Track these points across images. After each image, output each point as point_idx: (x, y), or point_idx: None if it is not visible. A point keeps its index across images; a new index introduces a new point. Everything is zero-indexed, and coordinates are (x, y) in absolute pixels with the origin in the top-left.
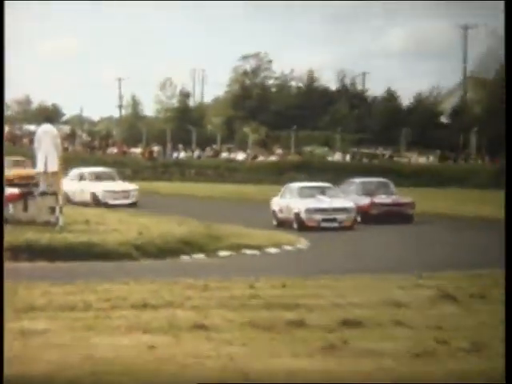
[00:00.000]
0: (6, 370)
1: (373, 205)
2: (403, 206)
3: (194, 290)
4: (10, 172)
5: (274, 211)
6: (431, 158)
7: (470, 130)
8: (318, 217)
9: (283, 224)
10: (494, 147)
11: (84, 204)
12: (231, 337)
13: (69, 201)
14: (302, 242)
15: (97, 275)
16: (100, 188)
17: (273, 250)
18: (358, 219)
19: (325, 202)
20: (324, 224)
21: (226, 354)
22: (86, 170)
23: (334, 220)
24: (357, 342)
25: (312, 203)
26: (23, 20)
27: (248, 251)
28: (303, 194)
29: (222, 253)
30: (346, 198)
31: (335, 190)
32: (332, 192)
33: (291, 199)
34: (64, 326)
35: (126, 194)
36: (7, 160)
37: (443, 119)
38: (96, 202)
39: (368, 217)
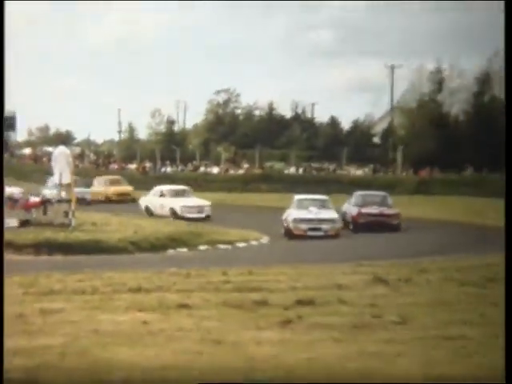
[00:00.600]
0: (31, 341)
1: (360, 215)
2: (389, 217)
3: (179, 276)
4: (108, 189)
5: (282, 220)
6: (366, 171)
7: (397, 148)
8: (305, 226)
9: (287, 232)
10: (416, 162)
11: (164, 217)
12: (209, 314)
13: (151, 214)
14: (265, 238)
15: (102, 266)
16: (178, 204)
17: (241, 245)
18: (350, 227)
19: (312, 212)
20: (310, 233)
21: (204, 328)
22: (166, 188)
23: (319, 229)
24: (309, 317)
25: (301, 214)
26: (37, 60)
27: (222, 245)
28: (300, 205)
29: (202, 247)
30: (332, 210)
31: (328, 202)
32: (325, 204)
33: (290, 210)
34: (76, 306)
35: (200, 208)
36: (104, 179)
37: (375, 140)
38: (175, 216)
39: (357, 226)
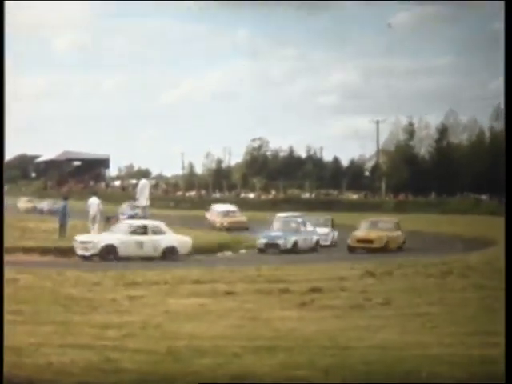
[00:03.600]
0: (121, 318)
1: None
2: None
3: (226, 272)
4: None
5: None
6: (359, 196)
7: (381, 179)
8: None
9: None
10: (395, 189)
11: None
12: (247, 298)
13: None
14: None
15: (170, 263)
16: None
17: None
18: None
19: None
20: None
21: (244, 308)
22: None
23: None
24: (319, 301)
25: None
26: (124, 118)
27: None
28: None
29: (242, 251)
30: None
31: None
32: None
33: None
34: (153, 293)
35: None
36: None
37: (366, 173)
38: None
39: None
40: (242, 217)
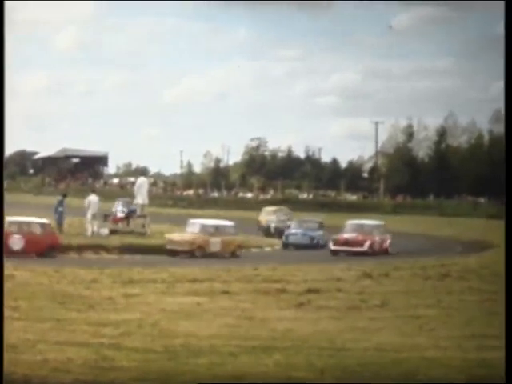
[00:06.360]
0: (118, 316)
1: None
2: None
3: (222, 271)
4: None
5: None
6: (357, 197)
7: (380, 180)
8: None
9: None
10: (393, 191)
11: None
12: (244, 298)
13: None
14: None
15: (167, 263)
16: None
17: (267, 249)
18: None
19: None
20: None
21: (241, 308)
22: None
23: None
24: (316, 301)
25: None
26: (124, 116)
27: (254, 249)
28: None
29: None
30: None
31: None
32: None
33: None
34: (150, 292)
35: None
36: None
37: (365, 174)
38: None
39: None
40: None
